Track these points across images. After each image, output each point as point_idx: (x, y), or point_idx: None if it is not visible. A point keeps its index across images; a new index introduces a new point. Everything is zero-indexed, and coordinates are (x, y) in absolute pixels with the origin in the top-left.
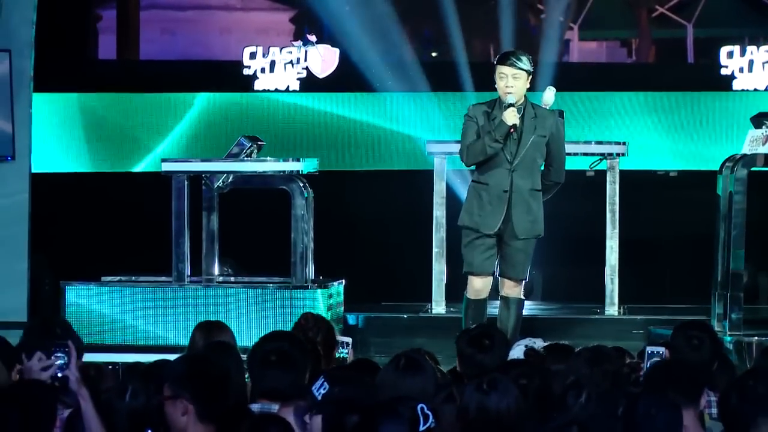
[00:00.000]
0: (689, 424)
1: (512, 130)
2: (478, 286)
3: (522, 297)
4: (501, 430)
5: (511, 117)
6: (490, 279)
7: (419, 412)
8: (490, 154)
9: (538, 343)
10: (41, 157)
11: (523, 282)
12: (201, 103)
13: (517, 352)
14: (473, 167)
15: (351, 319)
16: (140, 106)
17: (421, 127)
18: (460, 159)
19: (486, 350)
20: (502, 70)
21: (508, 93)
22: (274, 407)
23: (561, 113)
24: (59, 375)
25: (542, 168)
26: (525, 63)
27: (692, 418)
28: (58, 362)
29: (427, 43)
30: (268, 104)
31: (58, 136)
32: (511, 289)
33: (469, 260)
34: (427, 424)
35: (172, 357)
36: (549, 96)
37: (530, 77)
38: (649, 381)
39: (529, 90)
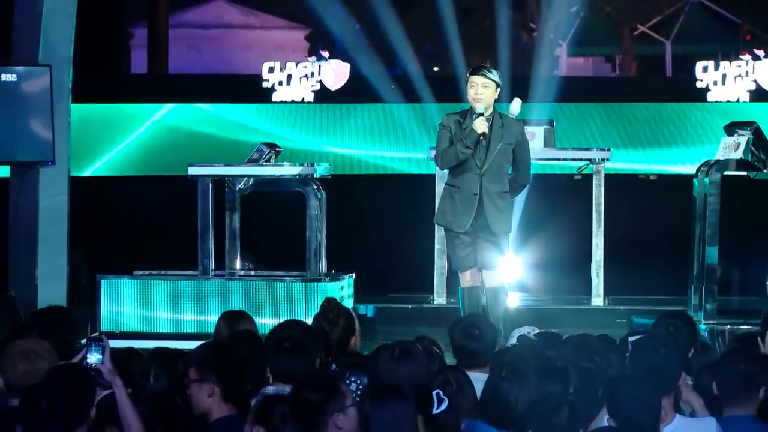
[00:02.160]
0: (665, 404)
1: (482, 137)
2: (466, 278)
3: (503, 283)
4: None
5: (480, 126)
6: (476, 270)
7: (435, 397)
8: (462, 159)
9: (533, 332)
10: (79, 162)
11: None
12: (224, 112)
13: (516, 335)
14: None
15: (361, 309)
16: (169, 115)
17: (423, 135)
18: (435, 163)
19: (476, 340)
20: (474, 79)
21: (478, 101)
22: (287, 389)
23: (550, 122)
24: (94, 366)
25: (509, 172)
26: (494, 75)
27: (668, 400)
28: (95, 355)
29: (429, 58)
30: (285, 114)
31: (94, 143)
32: (493, 280)
33: (454, 259)
34: (441, 407)
35: (195, 344)
36: (515, 106)
37: (499, 89)
38: (631, 366)
39: (524, 102)
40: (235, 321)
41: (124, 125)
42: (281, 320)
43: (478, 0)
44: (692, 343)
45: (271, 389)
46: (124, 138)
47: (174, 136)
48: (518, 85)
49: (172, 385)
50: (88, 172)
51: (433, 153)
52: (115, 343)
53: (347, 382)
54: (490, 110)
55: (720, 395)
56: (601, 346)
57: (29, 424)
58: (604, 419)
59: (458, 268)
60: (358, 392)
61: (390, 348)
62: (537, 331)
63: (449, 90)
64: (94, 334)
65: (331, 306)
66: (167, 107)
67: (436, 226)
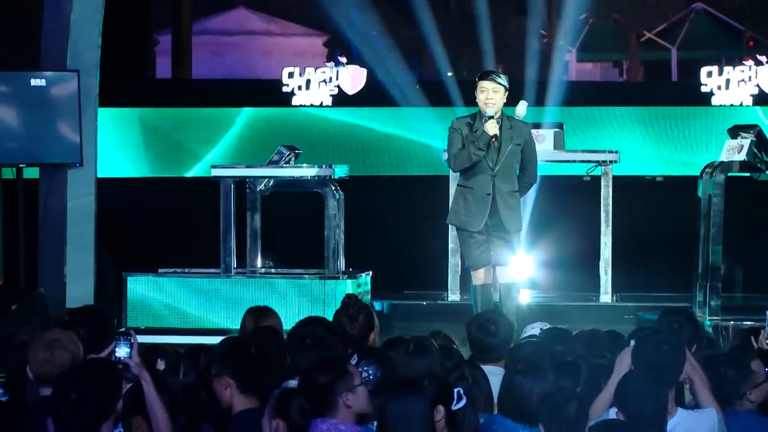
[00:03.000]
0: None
1: (493, 139)
2: (479, 275)
3: (516, 280)
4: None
5: (492, 128)
6: (489, 268)
7: (455, 394)
8: (475, 161)
9: (545, 327)
10: (105, 164)
11: (514, 266)
12: (245, 116)
13: (529, 330)
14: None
15: (377, 305)
16: (192, 119)
17: (437, 137)
18: (448, 165)
19: (492, 335)
20: (484, 84)
21: (488, 105)
22: None
23: (560, 125)
24: (122, 359)
25: (518, 172)
26: (503, 79)
27: (670, 394)
28: (123, 349)
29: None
30: (304, 118)
31: (120, 145)
32: (505, 276)
33: (467, 257)
34: (459, 404)
35: (218, 339)
36: (521, 109)
37: (507, 93)
38: (635, 362)
39: (535, 106)
40: (260, 316)
41: (148, 128)
42: (300, 316)
43: (491, 7)
44: (695, 339)
45: (293, 383)
46: (149, 141)
47: (197, 138)
48: (529, 90)
49: (197, 380)
50: (114, 174)
51: (446, 155)
52: (140, 339)
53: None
54: (499, 113)
55: (720, 389)
56: (610, 342)
57: (59, 416)
58: (611, 412)
59: (472, 267)
60: (368, 380)
61: (405, 343)
62: (548, 326)
63: (462, 93)
64: (122, 330)
65: (351, 302)
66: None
67: (449, 225)
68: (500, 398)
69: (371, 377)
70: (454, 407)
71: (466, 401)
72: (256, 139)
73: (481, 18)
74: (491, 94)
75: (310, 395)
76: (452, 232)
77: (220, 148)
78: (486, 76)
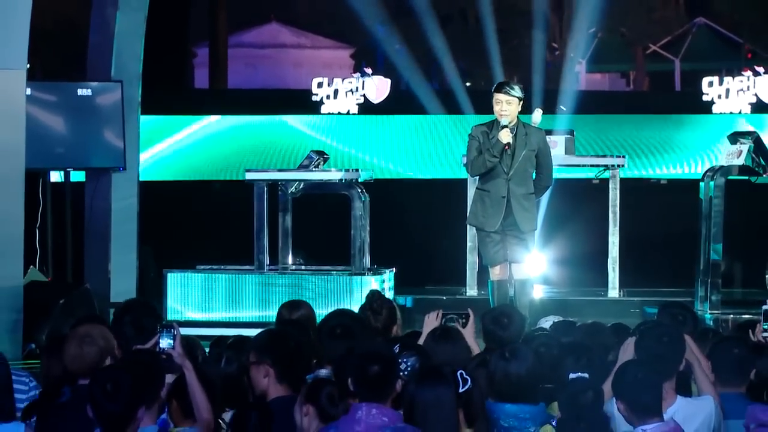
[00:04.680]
0: (668, 387)
1: (507, 147)
2: (496, 272)
3: (530, 276)
4: (520, 389)
5: (505, 137)
6: (505, 265)
7: (459, 377)
8: (490, 167)
9: (557, 320)
10: (147, 168)
11: (529, 263)
12: (278, 123)
13: (542, 323)
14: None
15: (401, 300)
16: (228, 126)
17: (456, 143)
18: (466, 170)
19: (505, 328)
20: (498, 96)
21: (503, 115)
22: None
23: (571, 131)
24: (166, 350)
25: (534, 176)
26: (517, 91)
27: (670, 383)
28: (166, 340)
29: (462, 74)
30: (332, 124)
31: (161, 151)
32: (520, 272)
33: (485, 255)
34: (466, 387)
35: (252, 331)
36: (537, 116)
37: (521, 102)
38: (637, 353)
39: (546, 113)
40: (294, 309)
41: (187, 135)
42: (328, 310)
43: (507, 22)
44: (694, 330)
45: (323, 372)
46: (188, 146)
47: (233, 144)
48: (543, 99)
49: (239, 369)
50: (155, 177)
51: (465, 160)
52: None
53: (399, 361)
54: (515, 121)
55: (715, 376)
56: (613, 332)
57: (96, 404)
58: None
59: (489, 263)
60: (407, 371)
61: (432, 330)
62: (560, 319)
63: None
64: (165, 322)
65: (375, 297)
66: (227, 118)
67: (468, 225)
68: (494, 386)
69: (410, 368)
70: (461, 390)
71: (475, 385)
72: (287, 145)
73: (497, 32)
74: (505, 105)
75: (361, 383)
76: (470, 232)
77: (252, 153)
78: (500, 88)
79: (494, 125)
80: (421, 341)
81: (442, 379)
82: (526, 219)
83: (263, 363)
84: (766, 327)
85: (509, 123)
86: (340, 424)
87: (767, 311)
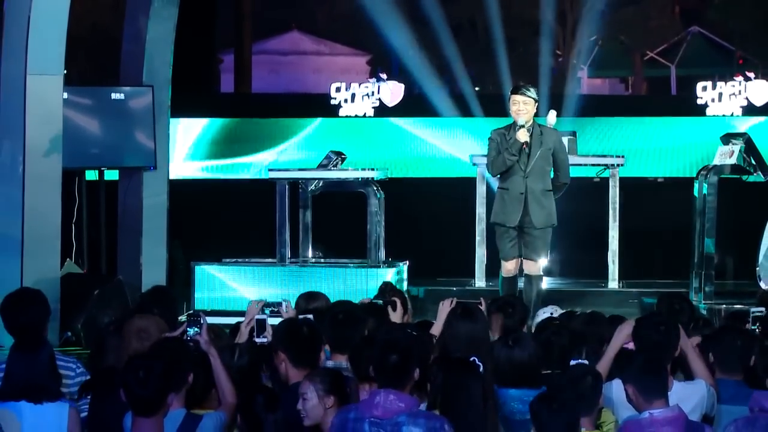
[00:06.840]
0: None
1: (524, 146)
2: (508, 267)
3: (541, 273)
4: (523, 375)
5: (522, 136)
6: (518, 261)
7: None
8: (509, 166)
9: (558, 310)
10: (176, 167)
11: (541, 261)
12: (298, 125)
13: (542, 314)
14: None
15: (414, 291)
16: (252, 128)
17: (466, 144)
18: (488, 170)
19: (509, 316)
20: (515, 98)
21: (519, 115)
22: (344, 363)
23: (573, 133)
24: (193, 337)
25: (552, 173)
26: (532, 92)
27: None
28: (193, 329)
29: (472, 79)
30: (349, 126)
31: (189, 151)
32: (532, 268)
33: (501, 249)
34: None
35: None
36: (552, 117)
37: (537, 104)
38: (636, 341)
39: (559, 116)
40: (311, 300)
41: (214, 135)
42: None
43: (514, 31)
44: (691, 319)
45: (330, 363)
46: (215, 147)
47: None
48: (548, 102)
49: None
50: (183, 175)
51: (475, 159)
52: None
53: None
54: (531, 122)
55: (716, 364)
56: (609, 322)
57: (129, 389)
58: (613, 384)
59: (503, 257)
60: None
61: (455, 308)
62: (560, 310)
63: (491, 105)
64: (192, 311)
65: (387, 288)
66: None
67: (476, 219)
68: (498, 372)
69: None
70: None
71: (487, 371)
72: (307, 146)
73: (505, 40)
74: (522, 106)
75: (381, 371)
76: (479, 227)
77: (276, 153)
78: (517, 90)
79: (511, 127)
80: (435, 330)
81: (468, 368)
82: (541, 215)
83: (278, 350)
84: (753, 328)
85: (525, 123)
86: (359, 407)
87: (755, 317)
